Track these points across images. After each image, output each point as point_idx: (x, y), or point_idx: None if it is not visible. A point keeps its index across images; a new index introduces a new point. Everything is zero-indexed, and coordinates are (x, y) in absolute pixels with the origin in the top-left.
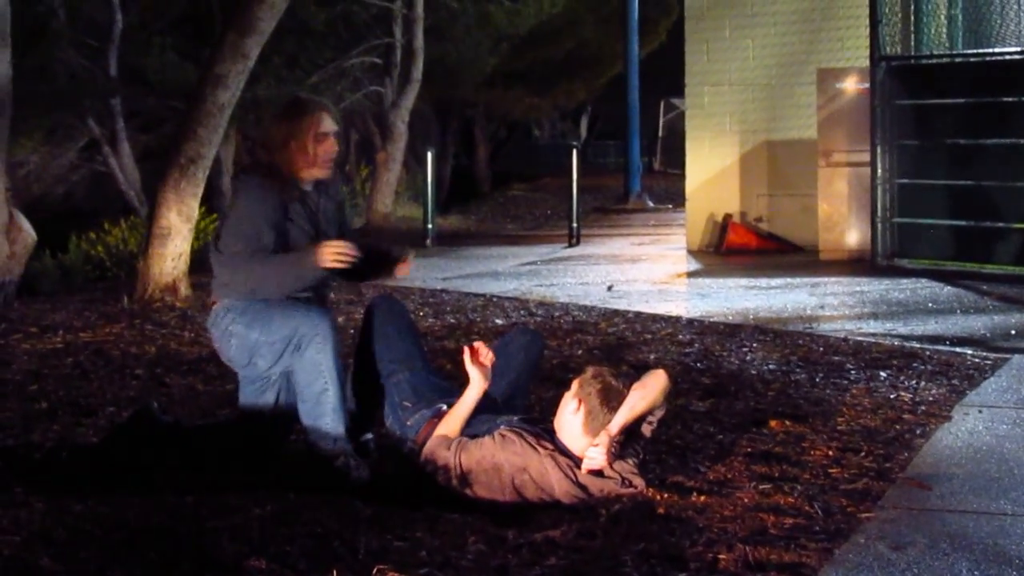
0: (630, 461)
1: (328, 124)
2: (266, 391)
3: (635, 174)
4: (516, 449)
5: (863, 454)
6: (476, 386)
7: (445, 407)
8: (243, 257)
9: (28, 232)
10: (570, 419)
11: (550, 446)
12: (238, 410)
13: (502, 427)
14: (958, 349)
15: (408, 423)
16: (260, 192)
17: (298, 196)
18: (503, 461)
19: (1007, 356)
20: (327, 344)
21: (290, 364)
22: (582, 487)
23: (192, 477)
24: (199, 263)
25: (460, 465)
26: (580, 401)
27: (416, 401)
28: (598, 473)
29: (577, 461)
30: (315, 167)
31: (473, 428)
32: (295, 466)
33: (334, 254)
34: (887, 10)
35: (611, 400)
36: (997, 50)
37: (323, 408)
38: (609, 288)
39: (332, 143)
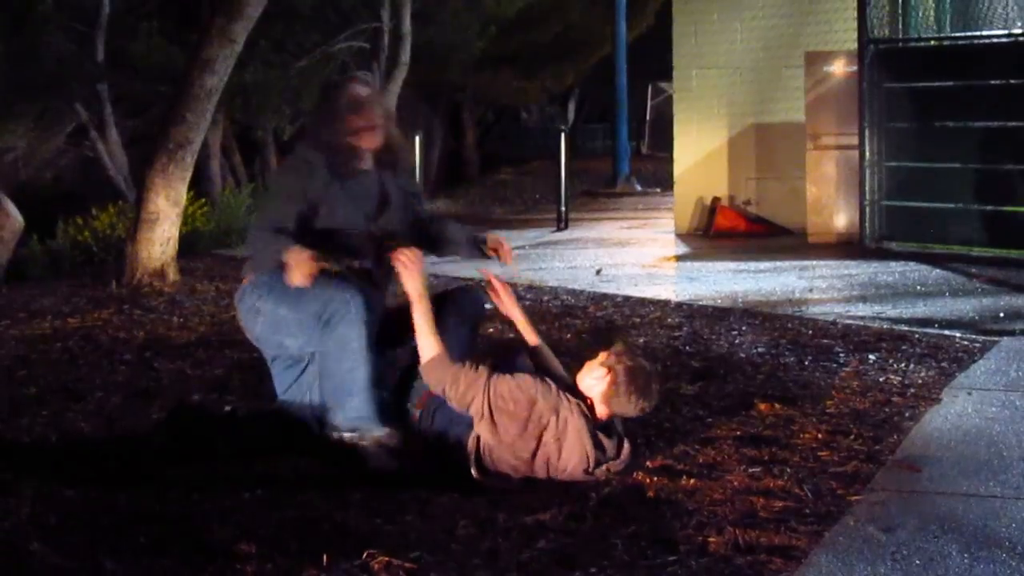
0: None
1: (360, 90)
2: (302, 376)
3: (623, 158)
4: (553, 393)
5: (852, 437)
6: (413, 293)
7: None
8: (255, 231)
9: (15, 218)
10: (592, 384)
11: (575, 400)
12: (276, 400)
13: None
14: (947, 332)
15: (414, 385)
16: (301, 166)
17: (353, 173)
18: (539, 397)
19: (996, 339)
20: (360, 320)
21: (321, 343)
22: (598, 446)
23: (189, 465)
24: (187, 248)
25: (493, 392)
26: (609, 371)
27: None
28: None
29: (595, 423)
30: (361, 137)
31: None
32: (336, 453)
33: (299, 275)
34: None
35: (637, 379)
36: (985, 33)
37: (350, 388)
38: (598, 272)
39: (370, 110)
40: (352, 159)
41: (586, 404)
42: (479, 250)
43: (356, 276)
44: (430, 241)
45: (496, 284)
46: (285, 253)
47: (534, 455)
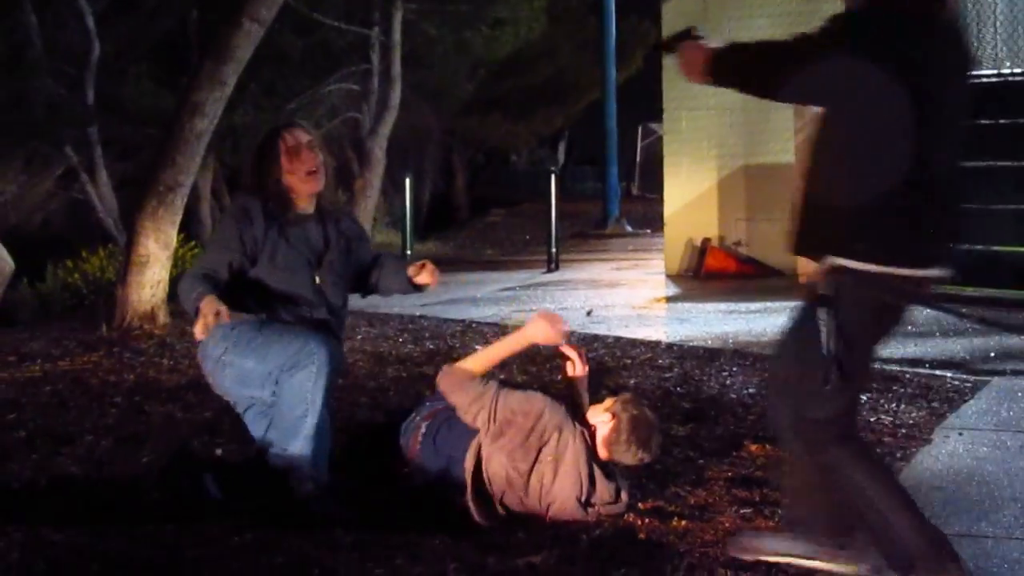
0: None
1: (299, 135)
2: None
3: (613, 199)
4: (560, 412)
5: None
6: (531, 338)
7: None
8: (184, 276)
9: (6, 261)
10: (595, 425)
11: (581, 428)
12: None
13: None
14: (938, 372)
15: (427, 402)
16: (238, 213)
17: (293, 219)
18: (546, 411)
19: (987, 378)
20: (321, 373)
21: (278, 388)
22: (591, 477)
23: (179, 509)
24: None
25: (500, 404)
26: (613, 416)
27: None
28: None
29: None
30: (300, 181)
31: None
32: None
33: (200, 327)
34: None
35: (640, 429)
36: (974, 73)
37: (297, 433)
38: (588, 313)
39: (309, 154)
40: (290, 204)
41: (590, 433)
42: (411, 285)
43: (312, 326)
44: (374, 284)
45: (570, 351)
46: (200, 302)
47: (530, 471)
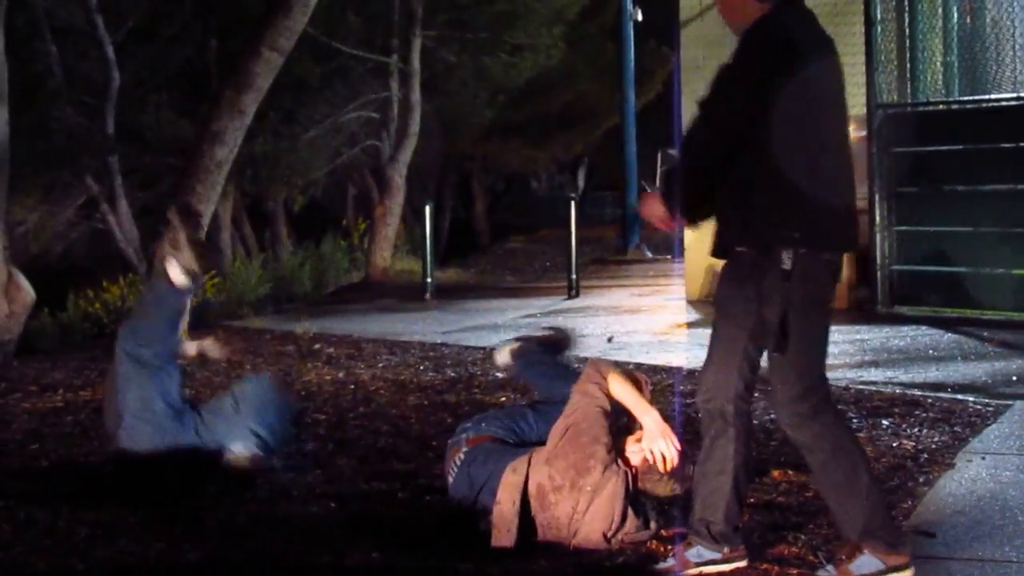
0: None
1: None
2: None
3: (633, 225)
4: (612, 455)
5: None
6: (649, 424)
7: (510, 440)
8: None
9: (27, 291)
10: (628, 456)
11: (624, 468)
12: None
13: None
14: (960, 396)
15: (469, 424)
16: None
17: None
18: (602, 445)
19: (1009, 402)
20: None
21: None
22: (624, 515)
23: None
24: (198, 319)
25: (585, 409)
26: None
27: (499, 420)
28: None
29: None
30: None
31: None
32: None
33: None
34: (883, 57)
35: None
36: (993, 96)
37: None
38: (609, 339)
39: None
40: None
41: (632, 473)
42: None
43: None
44: None
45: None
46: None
47: (564, 488)
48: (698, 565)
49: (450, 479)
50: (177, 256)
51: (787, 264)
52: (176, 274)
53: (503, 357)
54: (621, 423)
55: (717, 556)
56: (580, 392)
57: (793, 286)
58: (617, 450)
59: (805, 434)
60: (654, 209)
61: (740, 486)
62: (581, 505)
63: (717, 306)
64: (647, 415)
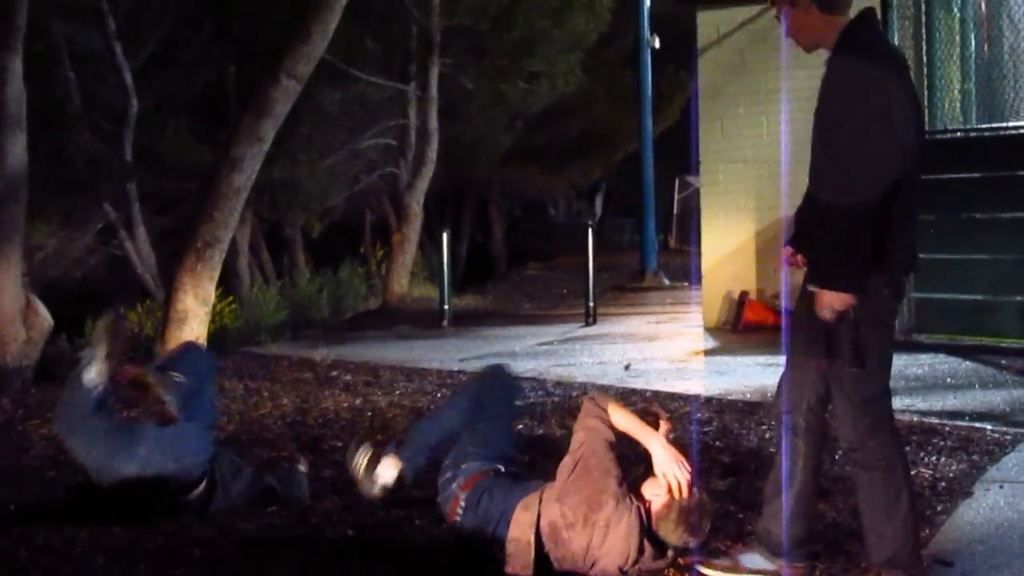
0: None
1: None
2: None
3: (651, 251)
4: (623, 489)
5: None
6: (656, 448)
7: (502, 468)
8: None
9: (44, 317)
10: (649, 497)
11: (637, 503)
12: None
13: None
14: (978, 424)
15: (463, 466)
16: None
17: None
18: (613, 479)
19: None
20: None
21: None
22: (640, 548)
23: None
24: (216, 345)
25: (594, 440)
26: (669, 494)
27: (482, 451)
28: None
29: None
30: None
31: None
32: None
33: None
34: None
35: (692, 515)
36: (1012, 124)
37: None
38: (627, 367)
39: None
40: None
41: (645, 508)
42: None
43: None
44: None
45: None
46: None
47: (578, 525)
48: (748, 572)
49: (458, 524)
50: (94, 362)
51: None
52: (87, 375)
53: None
54: (638, 474)
55: (771, 568)
56: (583, 428)
57: (860, 301)
58: (631, 486)
59: (861, 449)
60: (835, 301)
61: (806, 501)
62: (596, 540)
63: (794, 322)
64: (652, 440)
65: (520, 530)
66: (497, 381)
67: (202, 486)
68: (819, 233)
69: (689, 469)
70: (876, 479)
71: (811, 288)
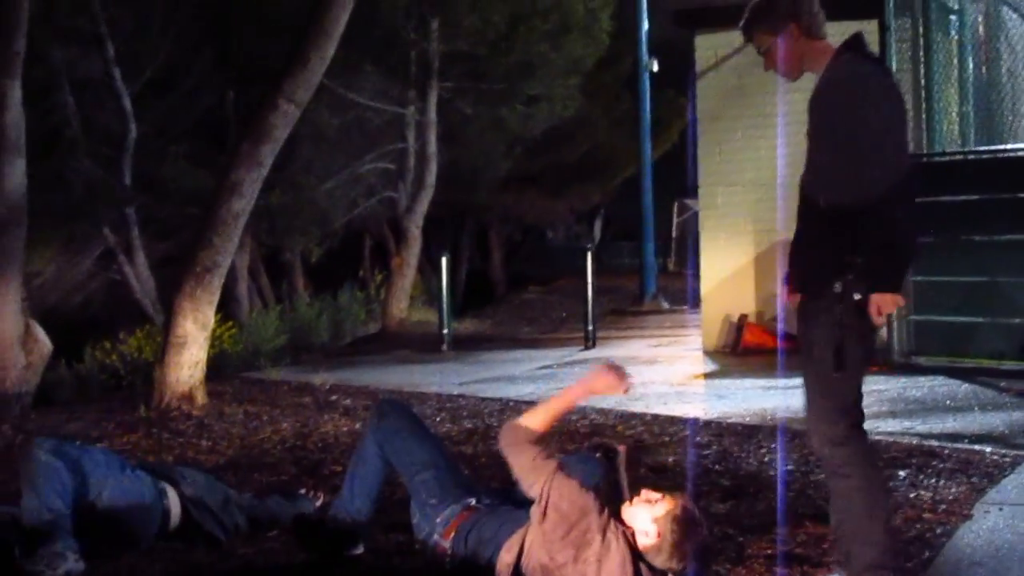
0: None
1: None
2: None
3: (650, 275)
4: (605, 516)
5: None
6: (592, 388)
7: (474, 501)
8: None
9: (44, 342)
10: (639, 525)
11: (622, 528)
12: None
13: None
14: (977, 447)
15: (437, 519)
16: None
17: None
18: (592, 512)
19: None
20: None
21: None
22: (639, 574)
23: None
24: (215, 370)
25: (555, 486)
26: (659, 535)
27: (443, 498)
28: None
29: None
30: None
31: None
32: None
33: None
34: None
35: (683, 547)
36: (1010, 146)
37: None
38: (626, 391)
39: None
40: None
41: (630, 533)
42: None
43: None
44: None
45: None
46: None
47: (567, 564)
48: None
49: (449, 562)
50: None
51: (838, 289)
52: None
53: None
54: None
55: None
56: (530, 470)
57: (848, 308)
58: (612, 513)
59: (836, 457)
60: (890, 303)
61: (880, 521)
62: (590, 573)
63: (803, 348)
64: (573, 392)
65: (505, 571)
66: (391, 423)
67: (174, 521)
68: (866, 235)
69: (627, 374)
70: (852, 487)
71: (857, 296)
